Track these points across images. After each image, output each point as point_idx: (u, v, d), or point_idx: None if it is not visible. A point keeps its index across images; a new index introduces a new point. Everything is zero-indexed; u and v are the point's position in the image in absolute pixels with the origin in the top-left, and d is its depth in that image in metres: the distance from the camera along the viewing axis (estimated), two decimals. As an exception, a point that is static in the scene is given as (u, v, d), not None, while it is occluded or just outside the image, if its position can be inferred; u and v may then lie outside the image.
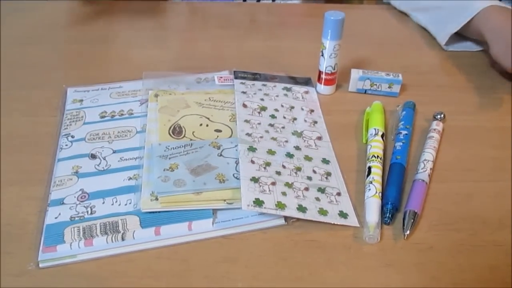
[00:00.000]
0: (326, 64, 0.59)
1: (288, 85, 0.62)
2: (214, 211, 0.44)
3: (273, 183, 0.45)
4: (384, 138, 0.52)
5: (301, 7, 0.89)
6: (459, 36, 0.72)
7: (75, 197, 0.44)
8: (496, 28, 0.63)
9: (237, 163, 0.48)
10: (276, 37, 0.76)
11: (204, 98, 0.58)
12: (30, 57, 0.68)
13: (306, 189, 0.46)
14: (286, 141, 0.52)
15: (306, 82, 0.63)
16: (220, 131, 0.53)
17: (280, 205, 0.43)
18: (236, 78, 0.62)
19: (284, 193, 0.44)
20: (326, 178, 0.48)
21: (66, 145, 0.51)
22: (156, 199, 0.44)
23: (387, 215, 0.44)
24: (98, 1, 0.70)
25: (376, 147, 0.50)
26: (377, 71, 0.61)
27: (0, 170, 0.48)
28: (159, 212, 0.43)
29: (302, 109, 0.58)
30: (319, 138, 0.53)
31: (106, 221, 0.42)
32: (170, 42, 0.75)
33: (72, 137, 0.52)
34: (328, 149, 0.52)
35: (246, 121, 0.54)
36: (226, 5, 0.86)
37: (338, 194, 0.46)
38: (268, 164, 0.48)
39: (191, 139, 0.51)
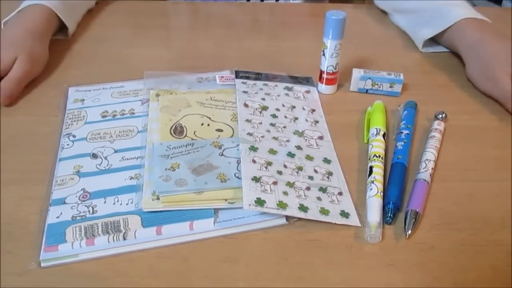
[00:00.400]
0: (327, 63, 0.59)
1: (290, 85, 0.62)
2: (216, 210, 0.44)
3: (275, 183, 0.45)
4: (385, 137, 0.52)
5: (303, 6, 0.89)
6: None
7: (76, 196, 0.45)
8: (471, 45, 0.62)
9: (238, 162, 0.48)
10: (277, 36, 0.76)
11: (206, 98, 0.58)
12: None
13: (308, 188, 0.46)
14: (288, 141, 0.52)
15: (308, 81, 0.63)
16: (221, 130, 0.53)
17: (282, 205, 0.43)
18: (237, 77, 0.62)
19: (285, 193, 0.44)
20: (328, 177, 0.48)
21: (68, 144, 0.51)
22: (158, 198, 0.44)
23: (389, 214, 0.44)
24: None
25: (377, 146, 0.50)
26: (379, 71, 0.61)
27: (1, 170, 0.48)
28: (160, 211, 0.43)
29: (304, 108, 0.58)
30: (321, 137, 0.53)
31: (107, 221, 0.42)
32: (172, 41, 0.75)
33: (74, 136, 0.52)
34: (329, 148, 0.52)
35: (248, 120, 0.54)
36: (227, 5, 0.86)
37: (340, 193, 0.46)
38: (269, 163, 0.48)
39: (192, 139, 0.51)
